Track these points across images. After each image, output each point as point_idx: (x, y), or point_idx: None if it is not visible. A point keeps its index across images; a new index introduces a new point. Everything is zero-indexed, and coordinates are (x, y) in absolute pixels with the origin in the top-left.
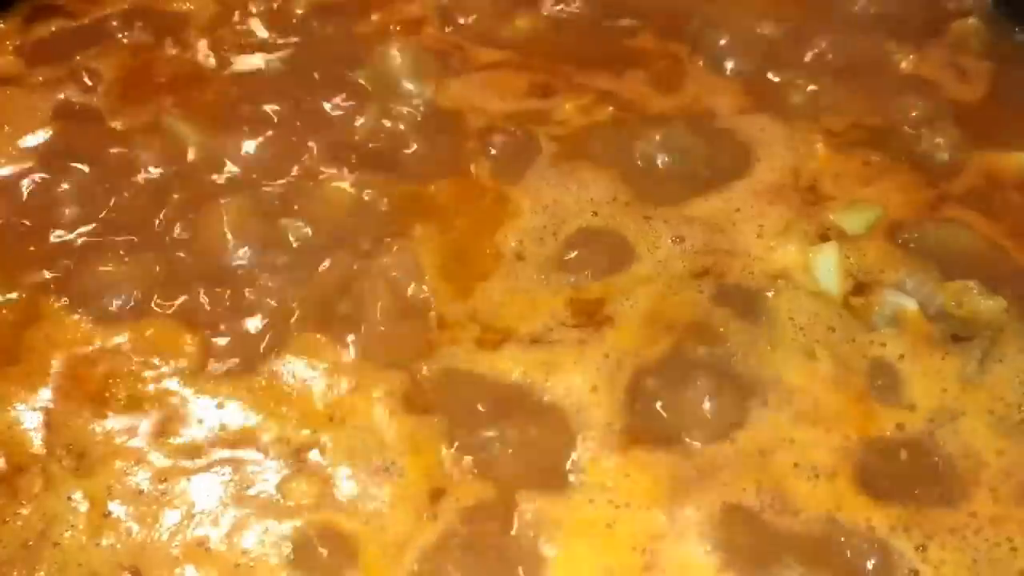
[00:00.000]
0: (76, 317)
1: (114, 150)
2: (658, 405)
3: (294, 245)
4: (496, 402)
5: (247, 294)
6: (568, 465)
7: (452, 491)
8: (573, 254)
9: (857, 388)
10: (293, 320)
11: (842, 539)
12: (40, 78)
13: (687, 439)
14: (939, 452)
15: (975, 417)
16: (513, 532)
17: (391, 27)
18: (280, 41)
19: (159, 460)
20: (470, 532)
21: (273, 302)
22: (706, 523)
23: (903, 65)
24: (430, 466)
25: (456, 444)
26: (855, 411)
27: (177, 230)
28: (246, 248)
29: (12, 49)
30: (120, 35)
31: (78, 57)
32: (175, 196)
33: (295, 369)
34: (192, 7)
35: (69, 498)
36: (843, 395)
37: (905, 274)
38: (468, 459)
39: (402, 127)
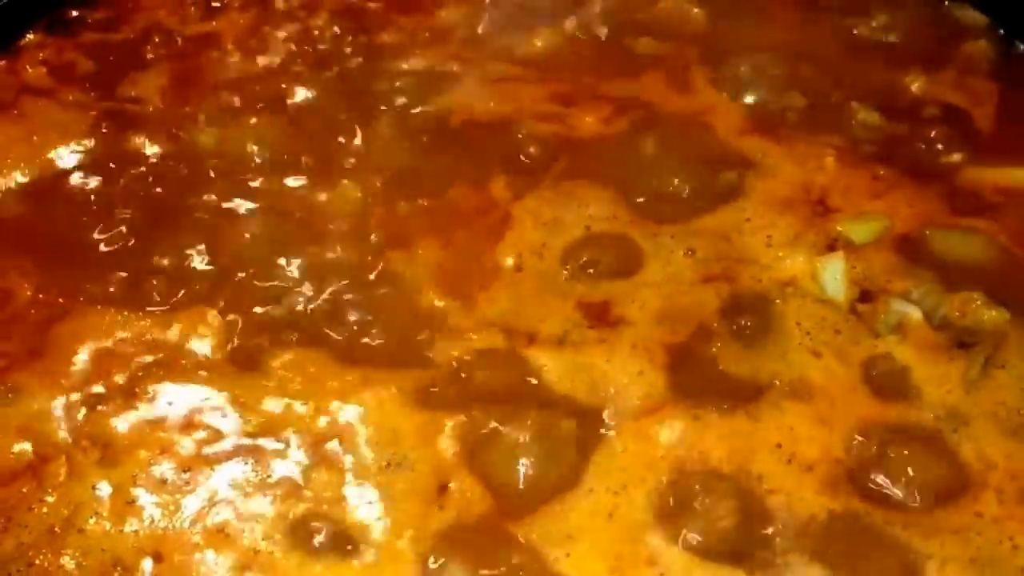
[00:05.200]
0: (103, 315)
1: (139, 155)
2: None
3: (312, 247)
4: (518, 398)
5: (267, 293)
6: (590, 456)
7: (464, 484)
8: (586, 261)
9: (862, 389)
10: (310, 318)
11: (846, 537)
12: (70, 88)
13: (703, 433)
14: (942, 453)
15: (978, 420)
16: (527, 531)
17: (413, 40)
18: (303, 58)
19: (183, 450)
20: (479, 525)
21: (291, 300)
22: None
23: (913, 86)
24: (444, 460)
25: (472, 439)
26: (859, 410)
27: (200, 230)
28: (266, 249)
29: (42, 60)
30: (150, 47)
31: (107, 67)
32: (197, 199)
33: (313, 364)
34: (218, 25)
35: (94, 487)
36: (848, 395)
37: (911, 284)
38: (484, 454)
39: (416, 138)
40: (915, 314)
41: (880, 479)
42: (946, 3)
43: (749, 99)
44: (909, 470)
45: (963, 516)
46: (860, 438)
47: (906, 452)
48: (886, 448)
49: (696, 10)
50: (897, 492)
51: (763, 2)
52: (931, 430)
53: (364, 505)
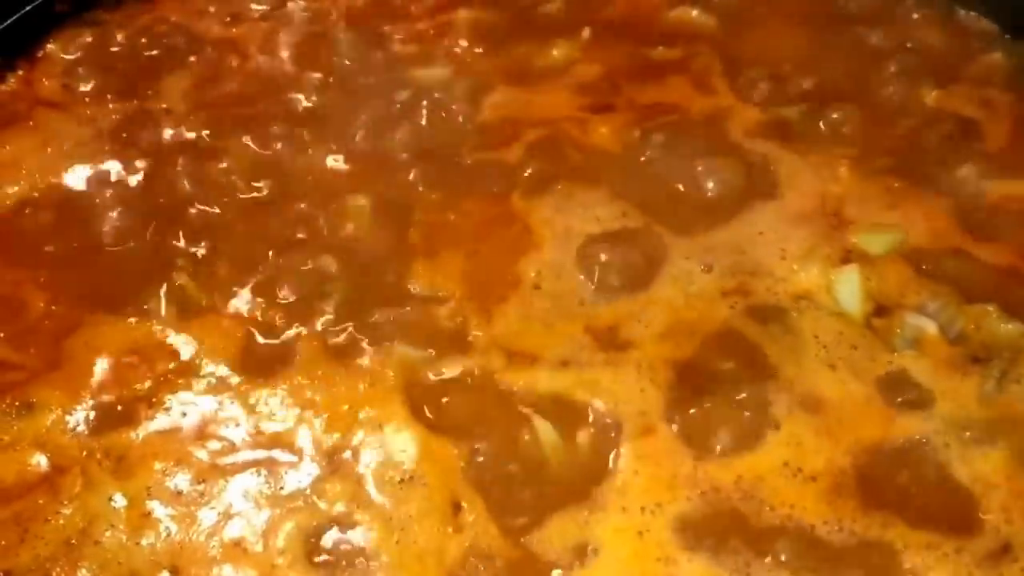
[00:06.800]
0: (117, 326)
1: (155, 164)
2: (682, 416)
3: (329, 257)
4: (525, 417)
5: (282, 303)
6: (600, 474)
7: (479, 500)
8: (599, 272)
9: (876, 403)
10: (326, 329)
11: (853, 554)
12: (86, 97)
13: (715, 447)
14: (953, 470)
15: (991, 436)
16: (542, 545)
17: (429, 49)
18: (321, 66)
19: (197, 461)
20: (495, 540)
21: (306, 311)
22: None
23: (928, 98)
24: (457, 476)
25: (481, 456)
26: (873, 425)
27: (215, 240)
28: (282, 259)
29: (59, 68)
30: (169, 54)
31: (125, 75)
32: (211, 208)
33: (327, 375)
34: (238, 32)
35: (109, 498)
36: (863, 409)
37: (926, 297)
38: (495, 469)
39: (432, 147)
40: (931, 328)
41: (890, 494)
42: (961, 14)
43: (762, 109)
44: (917, 486)
45: (971, 534)
46: (873, 453)
47: (919, 467)
48: (899, 463)
49: (709, 19)
50: (900, 506)
51: (776, 12)
52: (945, 445)
53: (379, 520)
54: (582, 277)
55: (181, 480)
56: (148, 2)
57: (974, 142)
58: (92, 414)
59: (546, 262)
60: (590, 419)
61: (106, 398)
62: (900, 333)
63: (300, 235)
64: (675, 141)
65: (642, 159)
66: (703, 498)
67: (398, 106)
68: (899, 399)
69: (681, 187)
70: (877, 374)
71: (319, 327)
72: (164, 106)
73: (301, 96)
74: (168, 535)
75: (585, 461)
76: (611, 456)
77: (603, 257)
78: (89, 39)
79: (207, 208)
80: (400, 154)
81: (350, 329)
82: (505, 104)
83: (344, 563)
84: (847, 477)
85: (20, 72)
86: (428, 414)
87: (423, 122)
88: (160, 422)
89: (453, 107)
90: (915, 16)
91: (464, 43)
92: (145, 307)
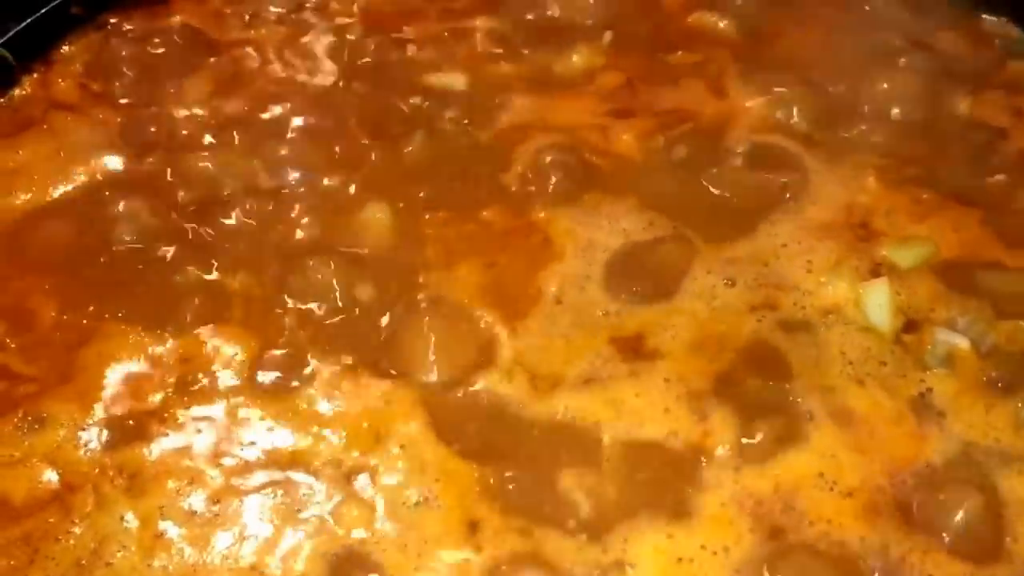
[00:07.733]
0: (130, 337)
1: (168, 171)
2: (707, 429)
3: (347, 268)
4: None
5: (299, 315)
6: (626, 488)
7: (495, 522)
8: (620, 286)
9: (906, 423)
10: (342, 343)
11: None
12: (101, 101)
13: (744, 460)
14: (985, 493)
15: None
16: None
17: (447, 55)
18: (338, 71)
19: (212, 481)
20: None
21: (322, 324)
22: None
23: (960, 107)
24: (477, 498)
25: (503, 477)
26: (902, 446)
27: (230, 249)
28: (298, 269)
29: (74, 71)
30: (186, 57)
31: (141, 79)
32: (227, 216)
33: (343, 391)
34: (256, 36)
35: (122, 518)
36: (891, 429)
37: (957, 312)
38: (517, 491)
39: (449, 154)
40: (963, 344)
41: (917, 516)
42: (988, 20)
43: (784, 115)
44: (948, 509)
45: (1005, 561)
46: (902, 472)
47: (949, 489)
48: (928, 484)
49: (727, 23)
50: (930, 530)
51: (797, 17)
52: (975, 467)
53: (398, 543)
54: (605, 290)
55: (195, 500)
56: (164, 4)
57: (1005, 150)
58: (104, 429)
59: (568, 274)
60: (611, 435)
61: (119, 412)
62: (931, 350)
63: (316, 246)
64: (696, 149)
65: (663, 167)
66: (735, 511)
67: (415, 112)
68: (930, 418)
69: (702, 197)
70: (907, 391)
71: (336, 343)
72: (180, 110)
73: (317, 100)
74: (181, 557)
75: (608, 474)
76: (635, 469)
77: (623, 270)
78: (105, 42)
79: (223, 217)
80: (417, 162)
81: (368, 345)
82: (524, 110)
83: None
84: (882, 495)
85: (35, 75)
86: (448, 434)
87: (440, 129)
88: (174, 439)
89: (471, 113)
90: (941, 22)
91: (482, 48)
92: (158, 318)
